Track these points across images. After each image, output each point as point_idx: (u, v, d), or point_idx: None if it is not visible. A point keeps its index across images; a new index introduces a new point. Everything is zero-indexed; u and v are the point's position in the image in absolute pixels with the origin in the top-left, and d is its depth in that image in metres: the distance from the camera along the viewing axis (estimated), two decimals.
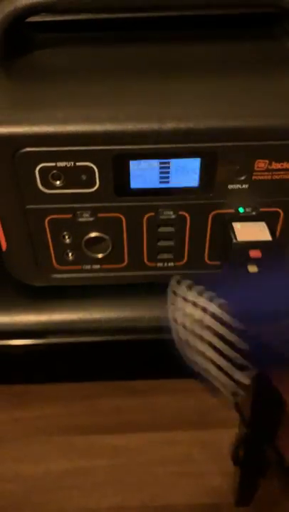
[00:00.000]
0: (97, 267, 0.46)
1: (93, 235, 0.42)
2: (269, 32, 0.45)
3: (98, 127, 0.36)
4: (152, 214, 0.41)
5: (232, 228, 0.40)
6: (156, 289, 0.49)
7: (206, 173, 0.39)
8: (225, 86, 0.39)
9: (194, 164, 0.39)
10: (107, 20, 0.47)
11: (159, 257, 0.45)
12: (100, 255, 0.44)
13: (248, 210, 0.41)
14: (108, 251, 0.44)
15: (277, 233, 0.42)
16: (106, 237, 0.43)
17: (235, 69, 0.42)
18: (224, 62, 0.43)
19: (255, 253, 0.39)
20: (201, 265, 0.46)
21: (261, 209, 0.41)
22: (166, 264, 0.46)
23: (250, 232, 0.40)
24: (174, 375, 0.58)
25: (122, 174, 0.39)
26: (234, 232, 0.40)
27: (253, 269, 0.40)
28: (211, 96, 0.38)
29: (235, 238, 0.40)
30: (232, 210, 0.41)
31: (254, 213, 0.41)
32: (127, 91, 0.39)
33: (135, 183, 0.40)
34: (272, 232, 0.41)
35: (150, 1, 0.39)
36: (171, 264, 0.46)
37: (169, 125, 0.36)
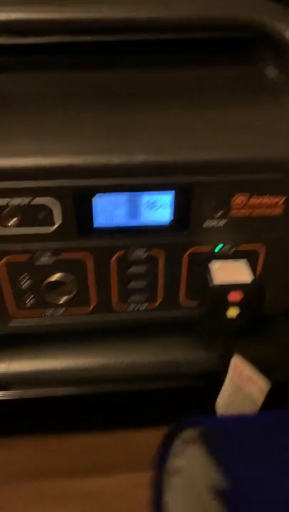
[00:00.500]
0: (60, 312, 0.41)
1: (54, 278, 0.37)
2: (244, 57, 0.43)
3: (57, 160, 0.32)
4: (121, 254, 0.37)
5: (208, 270, 0.37)
6: (126, 333, 0.45)
7: (179, 209, 0.35)
8: (199, 115, 0.36)
9: (166, 199, 0.35)
10: (71, 44, 0.44)
11: (130, 299, 0.41)
12: (62, 299, 0.40)
13: (226, 248, 0.37)
14: (72, 295, 0.39)
15: (258, 272, 0.39)
16: (69, 279, 0.38)
17: (209, 97, 0.39)
18: (197, 89, 0.40)
19: (234, 296, 0.35)
20: (177, 307, 0.42)
21: (240, 247, 0.37)
22: (137, 306, 0.41)
23: (229, 272, 0.37)
24: (147, 424, 0.53)
25: (85, 211, 0.35)
26: (211, 274, 0.36)
27: (232, 313, 0.36)
28: (184, 126, 0.35)
29: (212, 281, 0.36)
30: (209, 249, 0.37)
31: (233, 252, 0.38)
32: (91, 121, 0.35)
33: (100, 220, 0.35)
34: (252, 272, 0.37)
35: (115, 22, 0.36)
36: (143, 306, 0.41)
37: (139, 158, 0.32)
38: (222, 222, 0.36)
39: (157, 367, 0.44)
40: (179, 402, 0.47)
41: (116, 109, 0.36)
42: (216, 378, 0.44)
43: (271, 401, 0.41)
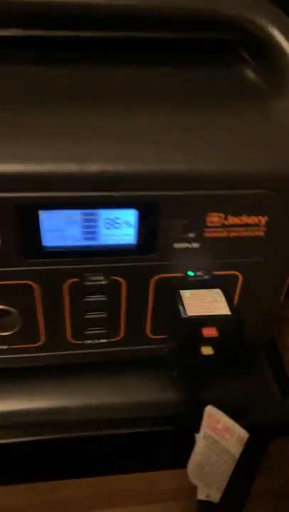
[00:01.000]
0: (4, 347, 0.34)
1: None
2: (223, 59, 0.38)
3: None
4: (76, 280, 0.31)
5: (180, 298, 0.31)
6: (83, 370, 0.39)
7: (145, 228, 0.30)
8: (171, 120, 0.31)
9: (129, 217, 0.30)
10: (36, 38, 0.38)
11: (88, 332, 0.35)
12: (5, 333, 0.33)
13: (199, 273, 0.32)
14: (17, 328, 0.33)
15: (236, 301, 0.34)
16: (12, 310, 0.32)
17: (184, 99, 0.33)
18: (172, 90, 0.34)
19: (210, 331, 0.30)
20: (143, 340, 0.36)
21: (215, 272, 0.32)
22: (96, 341, 0.35)
23: (203, 302, 0.31)
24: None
25: (31, 229, 0.29)
26: (182, 304, 0.31)
27: (207, 350, 0.31)
28: (153, 132, 0.30)
29: (184, 312, 0.30)
30: (180, 274, 0.32)
31: (207, 277, 0.32)
32: (43, 121, 0.29)
33: (50, 240, 0.30)
34: (229, 301, 0.32)
35: (84, 14, 0.30)
36: (103, 340, 0.35)
37: (94, 167, 0.27)
38: (195, 245, 0.30)
39: (120, 410, 0.38)
40: (149, 448, 0.41)
41: (76, 109, 0.31)
42: (187, 422, 0.39)
43: (248, 450, 0.36)
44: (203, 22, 0.32)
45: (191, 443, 0.38)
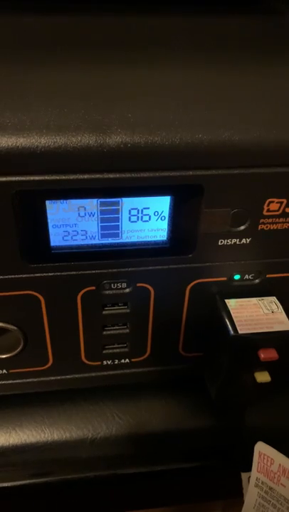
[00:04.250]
0: (3, 372, 0.28)
1: None
2: (259, 7, 0.31)
3: None
4: (92, 289, 0.25)
5: (225, 309, 0.25)
6: (95, 394, 0.32)
7: (181, 220, 0.23)
8: (211, 77, 0.24)
9: (161, 206, 0.23)
10: None
11: (106, 351, 0.28)
12: (4, 355, 0.27)
13: (247, 277, 0.25)
14: (18, 349, 0.26)
15: None
16: (12, 328, 0.25)
17: (221, 52, 0.26)
18: (205, 42, 0.27)
19: (268, 354, 0.23)
20: (173, 359, 0.29)
21: (269, 275, 0.26)
22: (117, 361, 0.29)
23: (256, 314, 0.25)
24: None
25: (35, 225, 0.22)
26: (231, 318, 0.24)
27: (263, 377, 0.24)
28: (191, 92, 0.22)
29: (234, 329, 0.24)
30: (224, 278, 0.25)
31: (257, 281, 0.26)
32: (43, 81, 0.22)
33: (59, 238, 0.23)
34: (286, 311, 0.26)
35: None
36: (125, 360, 0.29)
37: (115, 139, 0.20)
38: (245, 240, 0.24)
39: (140, 442, 0.31)
40: (180, 489, 0.34)
41: (90, 64, 0.23)
42: (225, 457, 0.32)
43: None
44: None
45: (234, 482, 0.31)
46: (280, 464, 0.26)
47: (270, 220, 0.23)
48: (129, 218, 0.23)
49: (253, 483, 0.26)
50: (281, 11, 0.31)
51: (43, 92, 0.21)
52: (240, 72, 0.23)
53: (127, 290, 0.25)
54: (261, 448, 0.27)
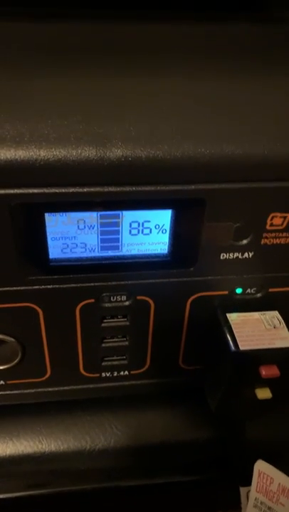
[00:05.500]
0: (0, 382, 0.27)
1: None
2: (265, 16, 0.31)
3: None
4: (91, 301, 0.24)
5: (227, 324, 0.24)
6: (93, 405, 0.31)
7: (182, 234, 0.23)
8: (217, 88, 0.23)
9: (163, 219, 0.22)
10: None
11: (105, 363, 0.28)
12: (1, 366, 0.26)
13: (250, 291, 0.25)
14: (16, 360, 0.26)
15: None
16: (10, 339, 0.25)
17: (227, 61, 0.25)
18: (210, 50, 0.26)
19: (269, 371, 0.23)
20: (173, 372, 0.29)
21: (271, 289, 0.25)
22: (116, 373, 0.28)
23: (258, 329, 0.24)
24: None
25: (34, 237, 0.22)
26: (232, 332, 0.24)
27: (264, 394, 0.24)
28: (194, 104, 0.22)
29: (235, 344, 0.23)
30: (225, 292, 0.25)
31: (259, 295, 0.25)
32: (43, 92, 0.22)
33: (58, 251, 0.22)
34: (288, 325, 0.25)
35: None
36: (124, 372, 0.28)
37: (116, 152, 0.20)
38: (247, 254, 0.23)
39: (138, 454, 0.31)
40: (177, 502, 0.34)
41: (91, 74, 0.23)
42: (223, 469, 0.32)
43: None
44: None
45: (233, 494, 0.31)
46: (279, 483, 0.26)
47: (273, 235, 0.23)
48: (130, 231, 0.23)
49: (252, 504, 0.25)
50: (286, 18, 0.31)
51: (43, 104, 0.20)
52: (244, 84, 0.23)
53: (127, 303, 0.25)
54: (261, 467, 0.26)
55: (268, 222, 0.22)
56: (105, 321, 0.26)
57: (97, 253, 0.23)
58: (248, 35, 0.28)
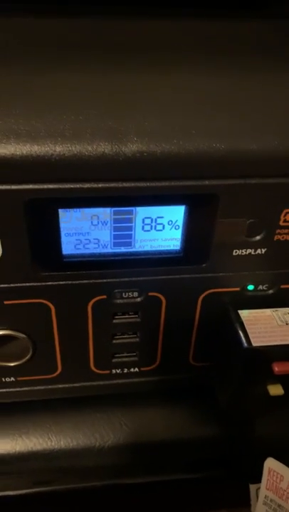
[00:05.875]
0: (10, 380, 0.27)
1: None
2: (272, 12, 0.31)
3: None
4: (103, 297, 0.24)
5: (239, 321, 0.24)
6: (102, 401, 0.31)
7: (195, 230, 0.23)
8: (228, 83, 0.23)
9: (176, 215, 0.22)
10: None
11: (116, 360, 0.28)
12: (12, 363, 0.26)
13: (261, 287, 0.25)
14: (26, 357, 0.26)
15: None
16: (21, 336, 0.25)
17: (239, 57, 0.25)
18: (222, 46, 0.26)
19: (282, 367, 0.23)
20: (183, 369, 0.29)
21: (283, 285, 0.25)
22: (126, 370, 0.28)
23: (270, 326, 0.24)
24: None
25: (47, 233, 0.22)
26: (244, 329, 0.24)
27: (277, 390, 0.24)
28: (207, 99, 0.22)
29: (248, 341, 0.23)
30: (237, 289, 0.25)
31: (271, 292, 0.25)
32: (54, 87, 0.22)
33: (71, 247, 0.23)
34: None
35: None
36: (134, 369, 0.28)
37: (133, 147, 0.20)
38: (260, 251, 0.23)
39: (145, 451, 0.31)
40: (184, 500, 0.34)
41: (103, 69, 0.23)
42: (230, 466, 0.32)
43: None
44: None
45: (238, 492, 0.31)
46: None
47: (286, 231, 0.23)
48: (143, 227, 0.23)
49: (262, 501, 0.25)
50: (287, 14, 0.31)
51: (58, 99, 0.20)
52: (256, 79, 0.23)
53: (139, 299, 0.25)
54: (271, 464, 0.26)
55: (282, 218, 0.22)
56: (116, 317, 0.26)
57: (110, 249, 0.23)
58: (255, 33, 0.28)
